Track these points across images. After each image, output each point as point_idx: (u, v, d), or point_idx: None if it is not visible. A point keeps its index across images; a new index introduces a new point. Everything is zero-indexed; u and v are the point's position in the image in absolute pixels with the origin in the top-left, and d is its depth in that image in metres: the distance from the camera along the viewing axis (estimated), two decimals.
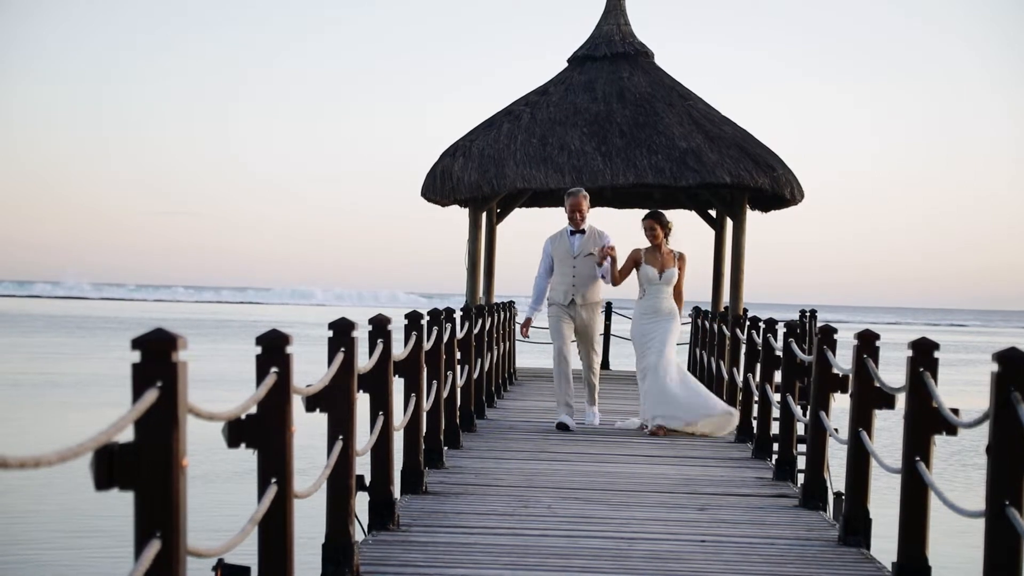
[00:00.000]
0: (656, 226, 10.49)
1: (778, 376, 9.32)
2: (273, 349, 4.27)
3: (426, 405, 8.14)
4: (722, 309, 17.08)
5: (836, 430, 7.28)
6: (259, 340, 4.29)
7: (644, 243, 10.60)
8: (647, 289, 10.54)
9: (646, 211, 10.87)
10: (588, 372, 10.99)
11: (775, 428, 9.71)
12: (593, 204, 19.69)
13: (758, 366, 10.30)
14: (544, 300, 10.96)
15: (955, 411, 5.30)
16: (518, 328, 11.93)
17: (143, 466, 3.06)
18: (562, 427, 10.66)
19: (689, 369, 17.00)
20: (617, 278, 10.58)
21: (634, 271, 10.62)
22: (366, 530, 6.29)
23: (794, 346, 8.73)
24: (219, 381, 26.13)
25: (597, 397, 11.15)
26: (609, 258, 10.52)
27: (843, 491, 6.70)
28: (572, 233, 10.79)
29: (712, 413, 10.51)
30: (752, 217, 17.51)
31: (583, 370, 11.06)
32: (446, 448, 9.02)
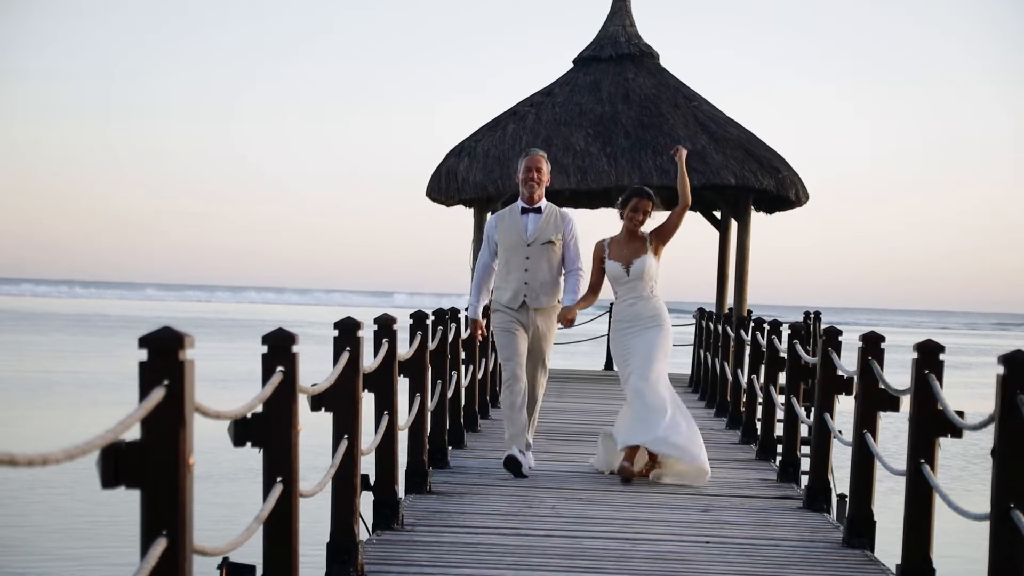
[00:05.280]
0: (650, 206, 8.11)
1: (782, 378, 9.32)
2: (279, 348, 4.27)
3: (431, 405, 8.14)
4: (726, 310, 17.08)
5: (840, 432, 7.28)
6: (265, 339, 4.29)
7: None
8: (617, 292, 8.18)
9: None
10: (529, 398, 8.26)
11: (779, 430, 9.71)
12: (597, 205, 19.70)
13: (762, 368, 10.31)
14: (486, 297, 8.45)
15: (960, 414, 5.30)
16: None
17: (150, 465, 3.06)
18: (512, 464, 8.09)
19: (692, 371, 17.01)
20: (595, 291, 8.26)
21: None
22: (370, 529, 6.29)
23: (798, 348, 8.73)
24: (232, 380, 26.14)
25: (533, 434, 8.45)
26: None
27: (847, 493, 6.70)
28: (525, 211, 8.14)
29: (696, 461, 8.11)
30: (756, 218, 17.53)
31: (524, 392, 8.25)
32: (450, 448, 9.03)
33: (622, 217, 8.14)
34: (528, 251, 8.08)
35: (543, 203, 8.15)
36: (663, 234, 8.12)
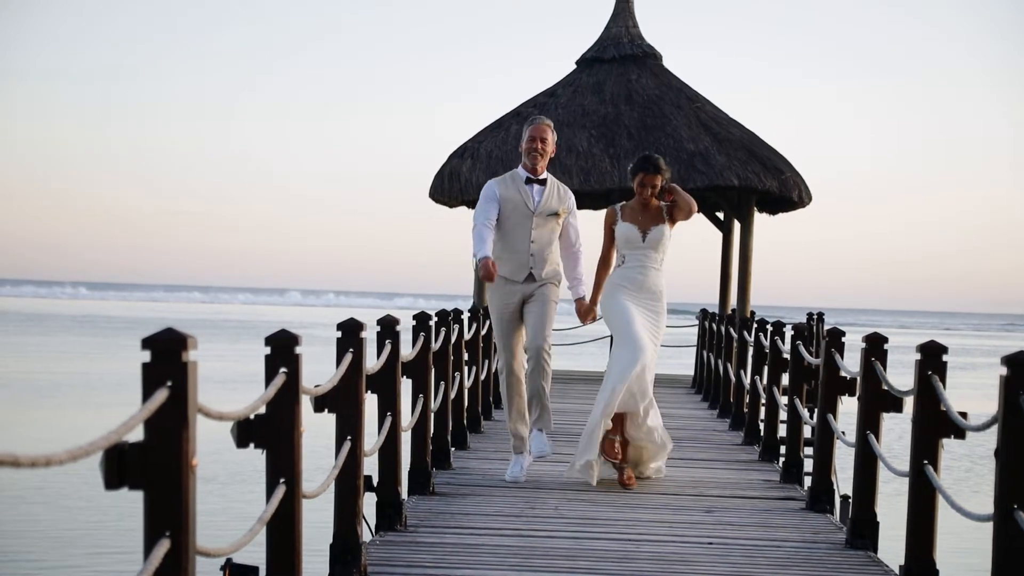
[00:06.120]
0: (657, 180, 7.74)
1: (785, 379, 9.33)
2: (282, 349, 4.27)
3: (433, 406, 8.15)
4: (729, 311, 17.07)
5: (843, 433, 7.28)
6: (268, 340, 4.30)
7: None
8: (626, 256, 7.80)
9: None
10: (535, 374, 7.85)
11: (782, 431, 9.71)
12: (600, 206, 19.68)
13: (765, 368, 10.31)
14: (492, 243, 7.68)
15: (964, 414, 5.30)
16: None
17: (153, 466, 3.06)
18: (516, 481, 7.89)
19: (695, 372, 17.01)
20: (607, 264, 7.97)
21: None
22: (373, 530, 6.30)
23: (802, 349, 8.73)
24: (236, 382, 26.16)
25: (551, 418, 8.04)
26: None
27: (850, 494, 6.70)
28: (529, 181, 7.80)
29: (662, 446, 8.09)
30: (759, 219, 17.52)
31: (528, 371, 7.91)
32: (453, 449, 9.03)
33: (631, 183, 7.89)
34: (535, 221, 7.74)
35: (546, 174, 7.83)
36: (675, 215, 7.85)
